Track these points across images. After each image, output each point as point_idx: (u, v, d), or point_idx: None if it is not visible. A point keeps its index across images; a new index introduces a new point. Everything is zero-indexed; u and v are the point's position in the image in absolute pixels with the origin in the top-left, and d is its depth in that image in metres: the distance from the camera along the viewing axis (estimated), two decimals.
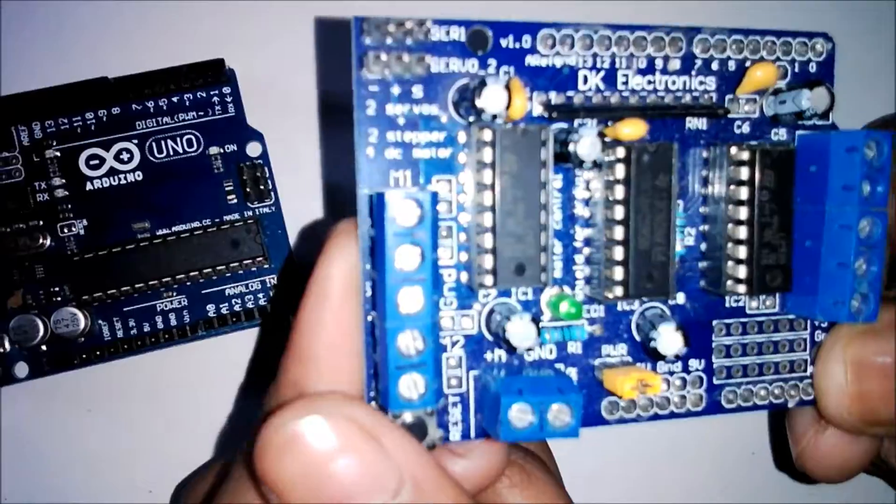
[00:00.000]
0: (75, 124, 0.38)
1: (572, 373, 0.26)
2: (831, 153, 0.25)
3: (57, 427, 0.39)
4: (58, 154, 0.37)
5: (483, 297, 0.25)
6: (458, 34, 0.24)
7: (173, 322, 0.38)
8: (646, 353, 0.26)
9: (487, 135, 0.23)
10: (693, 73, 0.26)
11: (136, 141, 0.38)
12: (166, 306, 0.38)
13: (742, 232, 0.25)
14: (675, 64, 0.26)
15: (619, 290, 0.25)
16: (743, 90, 0.27)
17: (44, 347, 0.37)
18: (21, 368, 0.37)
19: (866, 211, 0.25)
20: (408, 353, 0.22)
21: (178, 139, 0.38)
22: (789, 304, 0.27)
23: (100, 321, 0.37)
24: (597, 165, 0.24)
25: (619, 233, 0.24)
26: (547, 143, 0.24)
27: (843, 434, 0.30)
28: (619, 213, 0.24)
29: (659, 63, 0.26)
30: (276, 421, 0.21)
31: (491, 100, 0.23)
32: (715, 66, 0.27)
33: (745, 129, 0.27)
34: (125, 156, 0.38)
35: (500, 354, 0.25)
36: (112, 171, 0.38)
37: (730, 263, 0.26)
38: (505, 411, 0.23)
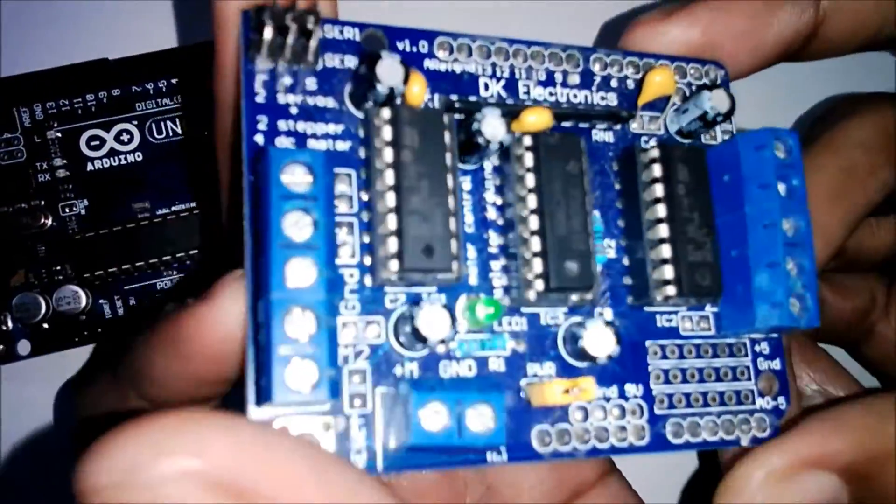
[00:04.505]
0: (76, 106, 0.38)
1: None
2: (741, 155, 0.25)
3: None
4: (59, 135, 0.38)
5: (391, 301, 0.22)
6: (352, 34, 0.24)
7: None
8: (578, 360, 0.24)
9: (386, 113, 0.22)
10: (593, 88, 0.26)
11: (135, 122, 0.38)
12: (166, 285, 0.39)
13: (663, 230, 0.23)
14: (575, 79, 0.26)
15: (539, 285, 0.22)
16: (644, 98, 0.27)
17: (46, 325, 0.38)
18: (23, 346, 0.38)
19: (788, 208, 0.23)
20: (296, 337, 0.19)
21: (178, 120, 0.39)
22: (724, 322, 0.25)
23: (101, 299, 0.38)
24: (503, 150, 0.23)
25: (533, 223, 0.23)
26: (449, 128, 0.22)
27: None
28: (531, 202, 0.23)
29: (559, 77, 0.26)
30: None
31: (387, 70, 0.22)
32: (614, 83, 0.27)
33: (651, 145, 0.26)
34: (125, 137, 0.38)
35: (411, 368, 0.22)
36: (112, 152, 0.38)
37: (655, 267, 0.24)
38: (415, 409, 0.20)
